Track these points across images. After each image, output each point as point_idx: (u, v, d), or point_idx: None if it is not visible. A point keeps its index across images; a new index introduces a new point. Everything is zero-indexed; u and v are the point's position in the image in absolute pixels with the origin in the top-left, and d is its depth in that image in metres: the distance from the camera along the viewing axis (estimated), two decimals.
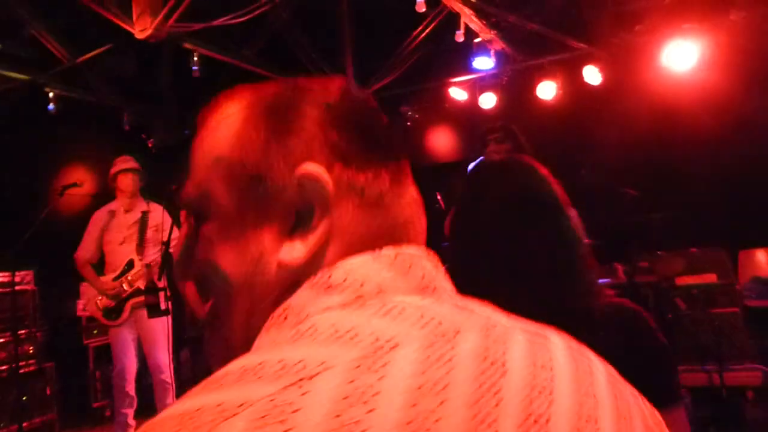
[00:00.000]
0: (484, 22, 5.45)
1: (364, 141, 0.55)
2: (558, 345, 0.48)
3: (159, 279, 4.10)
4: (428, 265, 0.54)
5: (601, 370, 0.49)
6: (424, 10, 4.66)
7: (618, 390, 0.49)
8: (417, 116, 7.01)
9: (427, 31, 5.71)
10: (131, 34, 4.23)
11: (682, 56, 5.37)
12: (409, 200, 0.58)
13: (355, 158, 0.54)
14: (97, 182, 6.13)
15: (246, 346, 0.50)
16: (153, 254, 4.47)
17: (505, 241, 1.13)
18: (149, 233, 4.49)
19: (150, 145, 6.37)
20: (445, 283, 0.54)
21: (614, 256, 5.23)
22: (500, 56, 5.94)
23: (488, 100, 6.35)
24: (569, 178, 5.04)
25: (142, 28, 3.85)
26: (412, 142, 7.13)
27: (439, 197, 5.12)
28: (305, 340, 0.43)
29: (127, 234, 4.48)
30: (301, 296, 0.50)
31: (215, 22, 4.19)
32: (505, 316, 0.50)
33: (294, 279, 0.51)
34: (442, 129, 7.21)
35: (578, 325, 1.03)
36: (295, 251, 0.51)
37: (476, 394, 0.39)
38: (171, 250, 3.91)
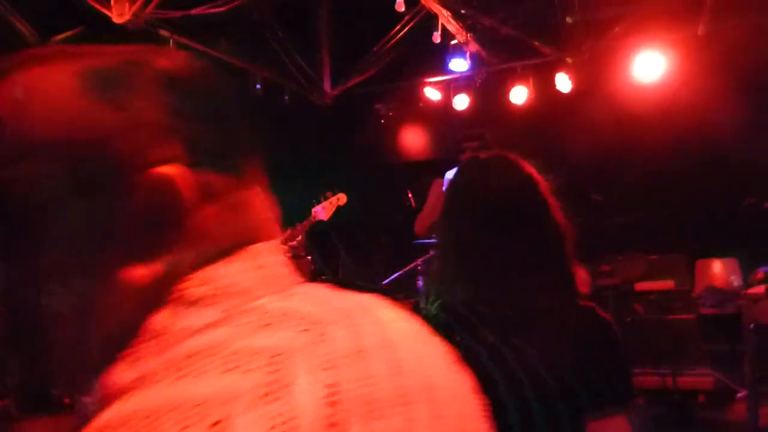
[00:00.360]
0: (461, 24, 5.52)
1: (220, 131, 0.49)
2: (391, 319, 0.48)
3: None
4: (280, 259, 0.51)
5: (430, 347, 0.49)
6: (403, 9, 4.71)
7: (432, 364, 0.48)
8: (391, 114, 7.06)
9: (405, 30, 5.76)
10: (105, 18, 4.18)
11: (650, 67, 5.52)
12: (263, 195, 0.53)
13: (209, 153, 0.48)
14: None
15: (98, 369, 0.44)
16: None
17: (490, 238, 1.16)
18: None
19: None
20: (293, 272, 0.52)
21: (579, 259, 5.36)
22: (475, 59, 6.02)
23: (462, 102, 6.43)
24: None
25: (120, 13, 3.81)
26: (386, 140, 7.18)
27: (410, 195, 5.18)
28: (193, 373, 0.39)
29: None
30: (161, 318, 0.44)
31: (195, 11, 4.17)
32: (352, 298, 0.49)
33: (148, 298, 0.44)
34: (415, 127, 7.27)
35: (553, 321, 1.09)
36: (145, 266, 0.45)
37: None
38: None
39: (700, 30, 5.24)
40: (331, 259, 6.28)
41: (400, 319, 0.48)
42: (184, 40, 5.18)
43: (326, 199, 3.75)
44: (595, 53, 5.76)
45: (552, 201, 1.22)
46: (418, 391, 0.42)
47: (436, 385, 0.45)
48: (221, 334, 0.42)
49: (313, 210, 3.76)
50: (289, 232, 3.74)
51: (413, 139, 7.28)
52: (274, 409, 0.37)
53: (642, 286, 4.71)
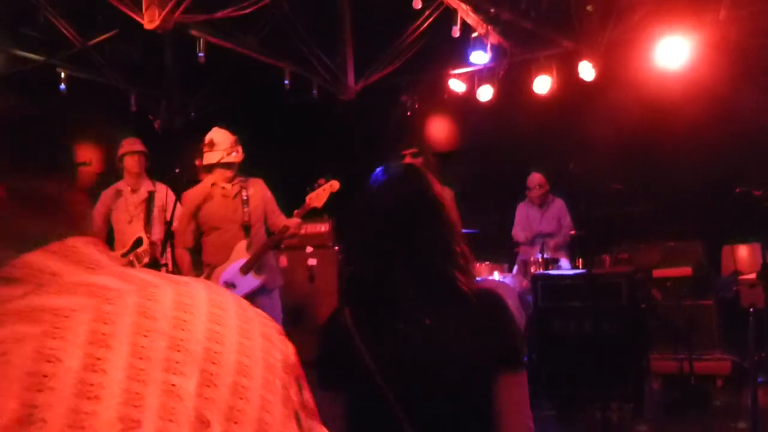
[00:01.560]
0: (481, 17, 5.61)
1: (21, 156, 0.65)
2: (200, 290, 0.62)
3: (161, 255, 4.35)
4: (93, 249, 0.64)
5: (233, 306, 0.63)
6: (420, 7, 4.83)
7: (245, 318, 0.62)
8: (417, 106, 7.18)
9: (426, 24, 5.86)
10: (135, 20, 4.43)
11: (673, 54, 5.50)
12: (77, 196, 0.68)
13: (19, 170, 0.64)
14: (105, 161, 6.38)
15: None
16: (159, 232, 4.71)
17: (399, 231, 1.37)
18: (155, 212, 4.74)
19: (156, 126, 6.60)
20: (109, 261, 0.65)
21: (601, 247, 5.43)
22: (497, 50, 6.09)
23: (486, 93, 6.51)
24: (561, 170, 5.18)
25: (150, 20, 4.06)
26: (412, 131, 7.32)
27: None
28: None
29: (135, 213, 4.73)
30: None
31: (218, 14, 4.39)
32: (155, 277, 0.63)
33: None
34: (440, 119, 7.38)
35: (454, 301, 1.30)
36: None
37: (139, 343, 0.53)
38: (173, 228, 4.15)
39: (722, 14, 5.21)
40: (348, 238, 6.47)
41: (206, 296, 0.61)
42: (214, 40, 5.42)
43: (319, 186, 3.87)
44: (616, 41, 5.77)
45: (446, 202, 1.43)
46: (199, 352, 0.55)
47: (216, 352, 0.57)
48: (26, 299, 0.56)
49: (307, 198, 3.87)
50: (289, 220, 3.91)
51: (439, 130, 7.40)
52: (49, 345, 0.51)
53: (660, 272, 4.76)
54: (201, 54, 5.45)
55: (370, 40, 6.29)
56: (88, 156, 5.51)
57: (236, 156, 3.93)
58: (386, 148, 6.85)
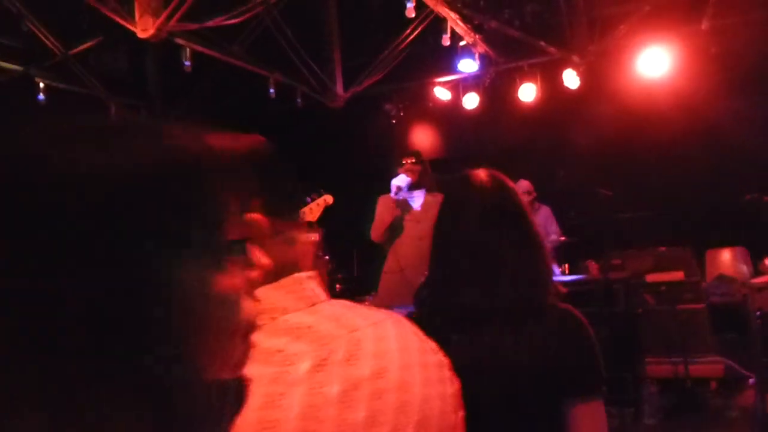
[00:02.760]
0: (469, 26, 5.64)
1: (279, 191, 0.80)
2: (390, 330, 0.72)
3: None
4: (313, 285, 0.76)
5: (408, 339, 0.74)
6: (413, 15, 4.83)
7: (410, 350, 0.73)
8: (402, 114, 7.19)
9: (416, 33, 5.87)
10: (122, 28, 4.32)
11: (655, 63, 5.62)
12: (306, 233, 0.80)
13: (275, 207, 0.79)
14: None
15: None
16: None
17: (481, 243, 1.31)
18: None
19: None
20: (327, 295, 0.77)
21: (588, 253, 5.48)
22: (483, 59, 6.13)
23: (471, 101, 6.55)
24: (547, 178, 5.28)
25: (143, 28, 3.96)
26: (397, 140, 7.31)
27: None
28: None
29: None
30: None
31: (210, 23, 4.31)
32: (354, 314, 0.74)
33: None
34: (425, 127, 7.40)
35: (528, 318, 1.24)
36: None
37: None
38: None
39: (704, 25, 5.34)
40: (347, 258, 6.44)
41: (401, 335, 0.71)
42: (199, 48, 5.32)
43: (313, 200, 3.81)
44: (601, 50, 5.87)
45: (527, 208, 1.38)
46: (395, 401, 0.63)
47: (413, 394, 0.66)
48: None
49: (300, 213, 3.77)
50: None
51: (424, 138, 7.41)
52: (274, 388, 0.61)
53: (652, 277, 4.82)
54: (187, 63, 5.34)
55: (358, 49, 6.27)
56: None
57: None
58: (372, 156, 6.86)
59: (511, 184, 1.40)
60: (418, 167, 4.19)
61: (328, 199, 3.79)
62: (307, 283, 0.74)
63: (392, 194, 4.14)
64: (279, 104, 6.35)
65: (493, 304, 1.26)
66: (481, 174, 1.41)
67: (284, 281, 0.71)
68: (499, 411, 1.22)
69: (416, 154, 4.29)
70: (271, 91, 6.15)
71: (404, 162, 4.18)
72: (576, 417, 1.21)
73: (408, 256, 4.06)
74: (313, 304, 0.71)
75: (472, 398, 1.20)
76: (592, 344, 1.27)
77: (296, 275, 0.73)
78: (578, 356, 1.25)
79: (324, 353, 0.62)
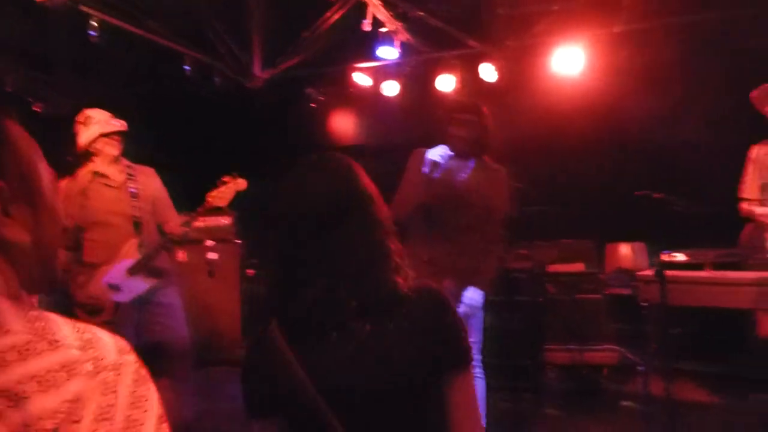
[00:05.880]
0: (391, 13, 5.64)
1: None
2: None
3: None
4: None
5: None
6: None
7: None
8: (322, 98, 7.12)
9: (337, 16, 5.82)
10: None
11: (570, 62, 5.81)
12: None
13: None
14: None
15: None
16: None
17: (321, 232, 1.25)
18: None
19: (38, 110, 6.08)
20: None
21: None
22: (404, 47, 6.16)
23: (391, 88, 6.56)
24: None
25: None
26: (317, 124, 7.25)
27: None
28: None
29: None
30: None
31: None
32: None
33: None
34: (345, 112, 7.37)
35: (393, 303, 1.22)
36: None
37: None
38: None
39: (617, 28, 5.56)
40: (264, 242, 6.34)
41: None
42: (107, 17, 5.07)
43: (224, 183, 3.64)
44: (519, 46, 6.01)
45: (374, 193, 1.32)
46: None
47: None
48: None
49: (208, 196, 3.59)
50: (186, 218, 3.62)
51: (343, 124, 7.38)
52: None
53: (554, 268, 5.02)
54: (93, 33, 5.08)
55: (279, 31, 6.16)
56: None
57: (120, 125, 3.52)
58: (292, 141, 6.77)
59: (355, 166, 1.34)
60: (467, 129, 3.30)
61: (241, 182, 3.61)
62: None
63: (425, 169, 3.20)
64: (197, 85, 6.16)
65: (347, 298, 1.23)
66: (319, 158, 1.35)
67: None
68: (377, 407, 1.22)
69: (473, 109, 3.36)
70: (186, 68, 5.95)
71: (455, 117, 3.29)
72: (452, 389, 1.24)
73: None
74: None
75: (346, 401, 1.17)
76: (453, 319, 1.29)
77: None
78: (444, 333, 1.26)
79: None
